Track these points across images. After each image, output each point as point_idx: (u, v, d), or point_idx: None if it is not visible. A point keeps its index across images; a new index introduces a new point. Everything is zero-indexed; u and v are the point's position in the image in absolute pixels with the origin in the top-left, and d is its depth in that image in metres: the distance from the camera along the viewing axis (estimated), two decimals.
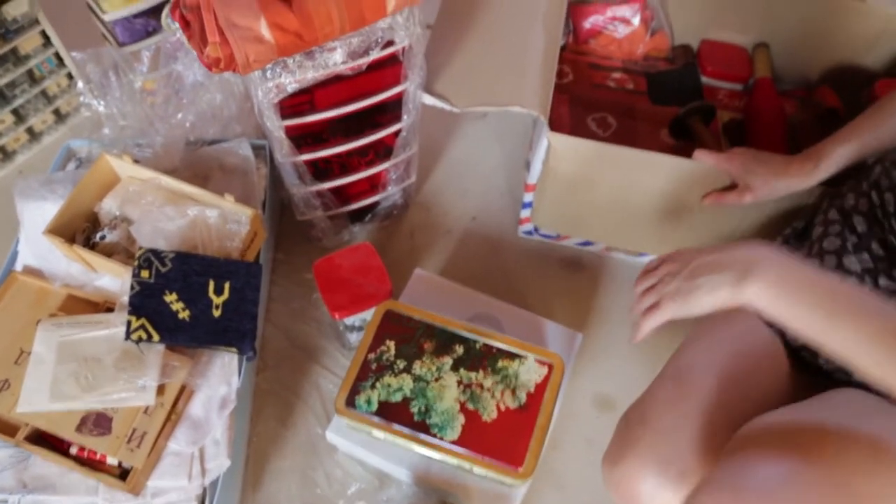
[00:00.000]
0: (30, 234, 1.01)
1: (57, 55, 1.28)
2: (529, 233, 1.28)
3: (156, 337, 0.87)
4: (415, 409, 0.86)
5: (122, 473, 0.86)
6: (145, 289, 0.89)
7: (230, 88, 1.16)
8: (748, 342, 0.78)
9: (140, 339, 0.87)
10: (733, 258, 0.61)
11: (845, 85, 1.32)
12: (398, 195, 1.24)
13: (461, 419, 0.86)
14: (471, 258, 1.28)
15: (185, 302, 0.90)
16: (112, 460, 0.87)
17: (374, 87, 0.98)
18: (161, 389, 0.89)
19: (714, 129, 1.28)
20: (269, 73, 0.86)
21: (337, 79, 0.91)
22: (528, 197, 1.18)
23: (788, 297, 0.57)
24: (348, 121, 1.00)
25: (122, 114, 1.15)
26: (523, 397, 0.87)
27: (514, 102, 0.99)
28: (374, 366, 0.89)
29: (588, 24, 1.38)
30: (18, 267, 1.02)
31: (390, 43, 0.91)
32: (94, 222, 1.02)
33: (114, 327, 0.90)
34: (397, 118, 1.05)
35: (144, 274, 0.89)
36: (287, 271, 1.23)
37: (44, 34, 1.23)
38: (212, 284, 0.91)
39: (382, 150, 1.11)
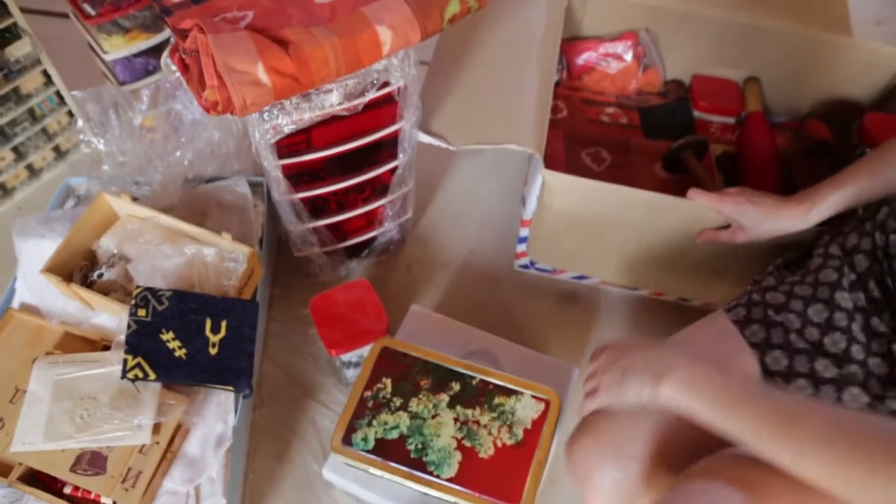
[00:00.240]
0: (27, 271, 1.02)
1: (58, 94, 1.29)
2: (526, 266, 1.29)
3: (152, 375, 0.87)
4: (411, 447, 0.86)
5: None
6: (142, 327, 0.89)
7: (228, 126, 1.18)
8: (724, 355, 0.81)
9: (136, 378, 0.87)
10: (655, 365, 0.68)
11: (835, 117, 1.34)
12: (395, 231, 1.25)
13: (458, 456, 0.85)
14: (467, 292, 1.29)
15: (182, 340, 0.90)
16: (107, 500, 0.86)
17: (370, 127, 0.99)
18: (157, 428, 0.89)
19: (707, 163, 1.29)
20: (266, 115, 0.87)
21: (333, 119, 0.92)
22: (523, 232, 1.19)
23: (693, 399, 0.64)
24: (345, 159, 1.01)
25: (121, 151, 1.16)
26: (520, 434, 0.87)
27: (509, 140, 1.00)
28: (370, 403, 0.89)
29: (581, 60, 1.40)
30: (15, 304, 1.03)
31: (386, 84, 0.93)
32: (91, 260, 1.02)
33: (110, 366, 0.91)
34: (393, 156, 1.06)
35: (141, 312, 0.90)
36: (284, 307, 1.24)
37: (45, 73, 1.25)
38: (209, 323, 0.91)
39: (379, 187, 1.12)
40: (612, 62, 1.39)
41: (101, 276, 0.99)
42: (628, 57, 1.38)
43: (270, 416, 1.12)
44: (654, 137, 1.36)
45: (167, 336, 0.90)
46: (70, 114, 1.35)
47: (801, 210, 0.87)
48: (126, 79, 1.23)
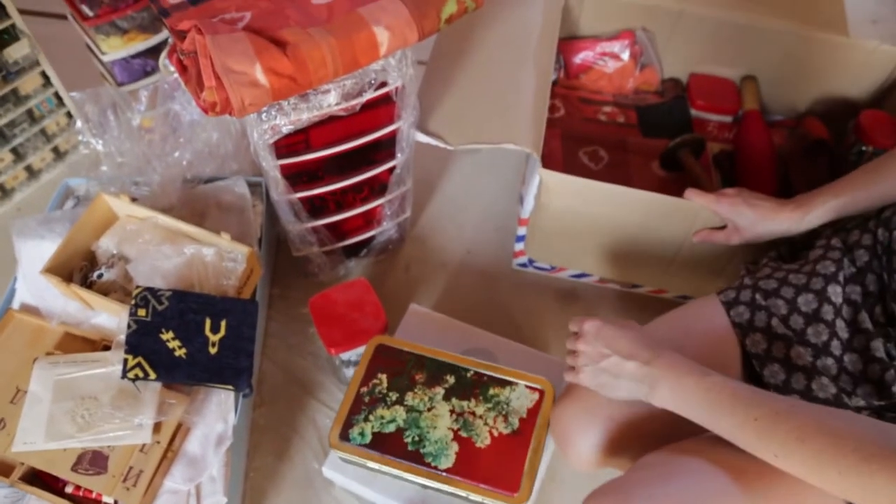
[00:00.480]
0: (27, 272, 1.02)
1: (56, 95, 1.30)
2: (524, 265, 1.29)
3: (152, 375, 0.88)
4: (408, 439, 0.87)
5: None
6: (142, 327, 0.90)
7: (227, 127, 1.18)
8: (708, 333, 0.84)
9: (136, 378, 0.87)
10: (645, 376, 0.72)
11: (832, 115, 1.34)
12: (393, 230, 1.25)
13: (455, 447, 0.86)
14: (466, 291, 1.29)
15: (182, 340, 0.90)
16: (108, 499, 0.87)
17: (368, 127, 1.00)
18: (157, 427, 0.90)
19: (704, 161, 1.30)
20: (264, 116, 0.87)
21: (331, 119, 0.93)
22: (521, 230, 1.20)
23: (681, 407, 0.69)
24: (343, 159, 1.01)
25: (119, 152, 1.17)
26: (516, 423, 0.88)
27: (506, 140, 1.01)
28: (366, 399, 0.90)
29: (578, 59, 1.40)
30: (16, 305, 1.03)
31: (383, 84, 0.93)
32: (91, 261, 1.03)
33: (110, 366, 0.91)
34: (391, 156, 1.07)
35: (141, 312, 0.90)
36: (284, 306, 1.24)
37: (44, 75, 1.26)
38: (208, 322, 0.92)
39: (377, 187, 1.12)
40: (609, 61, 1.39)
41: (100, 276, 0.99)
42: (625, 56, 1.38)
43: (270, 415, 1.12)
44: (651, 136, 1.36)
45: (167, 336, 0.90)
46: (69, 115, 1.35)
47: (797, 214, 0.88)
48: (124, 80, 1.24)
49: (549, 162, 1.29)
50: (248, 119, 0.88)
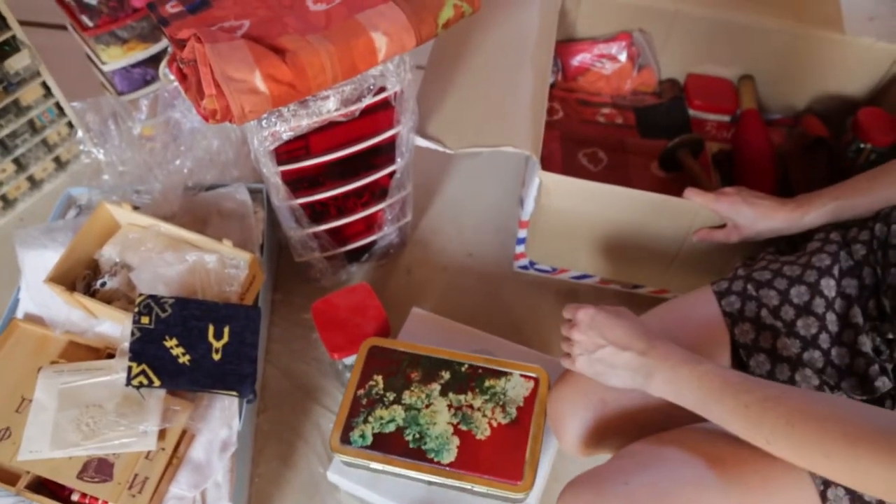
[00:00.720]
0: (31, 282, 1.03)
1: (57, 105, 1.30)
2: (525, 267, 1.30)
3: (156, 382, 0.88)
4: (409, 437, 0.87)
5: None
6: (146, 334, 0.90)
7: (227, 134, 1.19)
8: (699, 321, 0.85)
9: (141, 385, 0.88)
10: (641, 367, 0.72)
11: (831, 113, 1.35)
12: (394, 234, 1.26)
13: (456, 441, 0.87)
14: (467, 294, 1.30)
15: (186, 347, 0.91)
16: None
17: (367, 132, 1.00)
18: (162, 434, 0.90)
19: (703, 161, 1.30)
20: (264, 122, 0.88)
21: (331, 125, 0.93)
22: (522, 233, 1.20)
23: (676, 396, 0.70)
24: (343, 164, 1.02)
25: (121, 160, 1.17)
26: (514, 412, 0.89)
27: (506, 142, 1.01)
28: (364, 401, 0.90)
29: (576, 61, 1.41)
30: (20, 314, 1.03)
31: (382, 89, 0.94)
32: (94, 269, 1.03)
33: (115, 373, 0.91)
34: (391, 160, 1.07)
35: (144, 320, 0.90)
36: (286, 312, 1.25)
37: (44, 85, 1.26)
38: (211, 329, 0.92)
39: (378, 192, 1.13)
40: (607, 63, 1.40)
41: (103, 284, 1.00)
42: (623, 57, 1.39)
43: (274, 421, 1.12)
44: (649, 137, 1.37)
45: (171, 343, 0.90)
46: (70, 125, 1.36)
47: (797, 214, 0.88)
48: (124, 89, 1.24)
49: (548, 164, 1.29)
50: (248, 126, 0.89)
